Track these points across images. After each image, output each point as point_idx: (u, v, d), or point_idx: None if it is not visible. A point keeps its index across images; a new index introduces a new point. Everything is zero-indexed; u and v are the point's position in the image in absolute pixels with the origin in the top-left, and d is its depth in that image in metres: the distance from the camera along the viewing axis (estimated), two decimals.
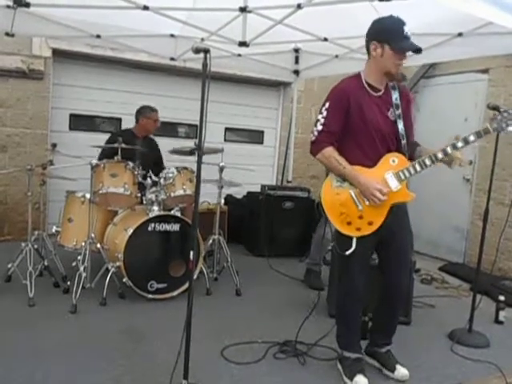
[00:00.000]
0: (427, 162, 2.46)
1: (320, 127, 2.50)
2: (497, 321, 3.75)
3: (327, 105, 2.52)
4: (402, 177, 2.48)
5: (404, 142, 2.58)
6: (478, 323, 3.40)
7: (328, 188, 2.55)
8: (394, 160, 2.52)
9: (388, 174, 2.49)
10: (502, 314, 3.74)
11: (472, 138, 2.41)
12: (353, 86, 2.55)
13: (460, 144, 2.42)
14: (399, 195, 2.50)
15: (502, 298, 3.78)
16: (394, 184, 2.48)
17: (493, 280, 4.54)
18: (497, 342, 3.34)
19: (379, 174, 2.49)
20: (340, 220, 2.50)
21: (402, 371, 2.67)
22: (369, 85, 2.55)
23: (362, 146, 2.53)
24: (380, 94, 2.58)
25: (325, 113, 2.50)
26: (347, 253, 2.49)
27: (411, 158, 2.58)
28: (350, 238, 2.49)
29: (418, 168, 2.47)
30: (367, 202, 2.48)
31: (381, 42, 2.45)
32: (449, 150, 2.43)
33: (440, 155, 2.44)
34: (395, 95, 2.60)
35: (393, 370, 2.69)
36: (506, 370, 2.85)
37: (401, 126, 2.58)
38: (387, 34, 2.44)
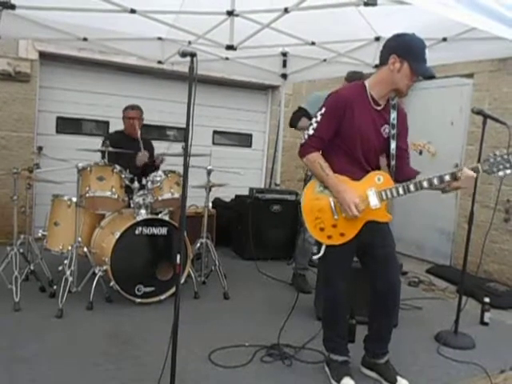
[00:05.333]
0: (411, 187, 2.47)
1: (311, 132, 2.50)
2: (482, 322, 3.79)
3: (323, 110, 2.49)
4: (384, 197, 2.48)
5: (393, 163, 2.58)
6: (464, 325, 3.44)
7: (310, 191, 2.56)
8: (379, 178, 2.52)
9: (370, 191, 2.48)
10: (487, 316, 3.79)
11: (459, 174, 2.41)
12: (355, 93, 2.50)
13: (447, 177, 2.42)
14: (377, 214, 2.50)
15: (487, 299, 3.83)
16: (374, 201, 2.47)
17: (478, 282, 4.59)
18: (482, 343, 3.38)
19: (362, 188, 2.49)
20: (314, 224, 2.52)
21: (403, 383, 2.64)
22: (371, 96, 2.52)
23: (346, 153, 2.52)
24: (379, 108, 2.55)
25: (319, 117, 2.49)
26: (314, 257, 2.58)
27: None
28: (321, 244, 2.54)
29: (400, 191, 2.46)
30: (344, 214, 2.48)
31: (401, 58, 2.40)
32: (435, 181, 2.44)
33: (425, 184, 2.45)
34: (393, 115, 2.57)
35: (394, 382, 2.65)
36: (491, 371, 2.89)
37: (393, 145, 2.57)
38: (411, 52, 2.39)
